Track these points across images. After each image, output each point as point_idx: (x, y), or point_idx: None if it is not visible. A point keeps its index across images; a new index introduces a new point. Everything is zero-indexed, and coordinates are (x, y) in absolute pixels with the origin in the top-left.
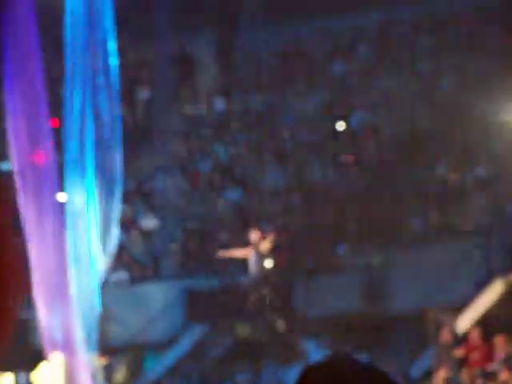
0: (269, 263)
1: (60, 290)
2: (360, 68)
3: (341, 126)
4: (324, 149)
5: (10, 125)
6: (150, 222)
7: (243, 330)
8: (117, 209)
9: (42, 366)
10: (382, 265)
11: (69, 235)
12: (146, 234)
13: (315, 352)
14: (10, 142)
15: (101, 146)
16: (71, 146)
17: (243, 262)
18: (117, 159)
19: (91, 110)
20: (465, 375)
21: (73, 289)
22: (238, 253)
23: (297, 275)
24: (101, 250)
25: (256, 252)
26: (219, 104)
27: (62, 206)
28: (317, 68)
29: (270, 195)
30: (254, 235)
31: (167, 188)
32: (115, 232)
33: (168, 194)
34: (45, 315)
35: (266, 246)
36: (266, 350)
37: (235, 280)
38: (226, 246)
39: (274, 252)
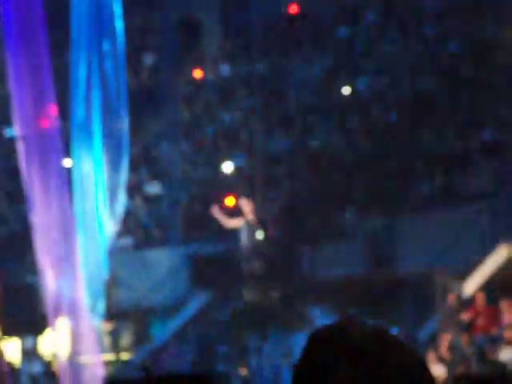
0: (259, 234)
1: (66, 255)
2: (366, 31)
3: (346, 90)
4: (329, 113)
5: (13, 90)
6: (154, 188)
7: (249, 295)
8: (124, 174)
9: (49, 330)
10: (387, 229)
11: (75, 201)
12: (151, 200)
13: (322, 318)
14: (14, 107)
15: (107, 111)
16: (77, 111)
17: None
18: (124, 125)
19: (97, 76)
20: (466, 339)
21: (79, 254)
22: (229, 222)
23: (302, 241)
24: (108, 215)
25: (246, 223)
26: (224, 69)
27: (67, 171)
28: (322, 31)
29: (275, 160)
30: (244, 205)
31: (172, 153)
32: (122, 198)
33: (173, 160)
34: (51, 280)
35: (255, 216)
36: (272, 315)
37: (241, 245)
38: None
39: (264, 223)
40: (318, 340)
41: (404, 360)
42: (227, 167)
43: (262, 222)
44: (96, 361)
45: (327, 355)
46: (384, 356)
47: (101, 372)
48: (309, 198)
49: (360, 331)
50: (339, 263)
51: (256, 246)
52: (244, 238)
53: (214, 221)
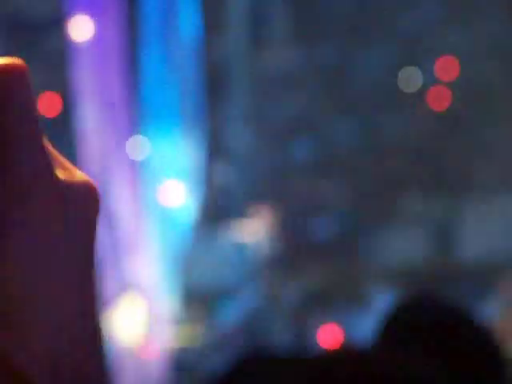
0: (274, 244)
1: (136, 234)
2: (429, 20)
3: (410, 77)
4: (393, 99)
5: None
6: (223, 173)
7: (313, 277)
8: (200, 159)
9: (120, 308)
10: (451, 214)
11: (149, 185)
12: (220, 185)
13: (384, 300)
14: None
15: (183, 96)
16: (153, 95)
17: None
18: (200, 110)
19: (173, 60)
20: None
21: (151, 235)
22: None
23: (365, 224)
24: (181, 198)
25: (263, 228)
26: (292, 54)
27: (141, 155)
28: (386, 19)
29: (340, 146)
30: (262, 210)
31: (239, 138)
32: (196, 181)
33: (239, 145)
34: (122, 260)
35: (271, 221)
36: (333, 298)
37: (307, 228)
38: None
39: (278, 230)
40: (396, 315)
41: (479, 336)
42: None
43: (266, 238)
44: (165, 341)
45: (405, 331)
46: (460, 331)
47: (167, 353)
48: (373, 181)
49: (437, 307)
50: (401, 247)
51: (256, 260)
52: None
53: (282, 205)
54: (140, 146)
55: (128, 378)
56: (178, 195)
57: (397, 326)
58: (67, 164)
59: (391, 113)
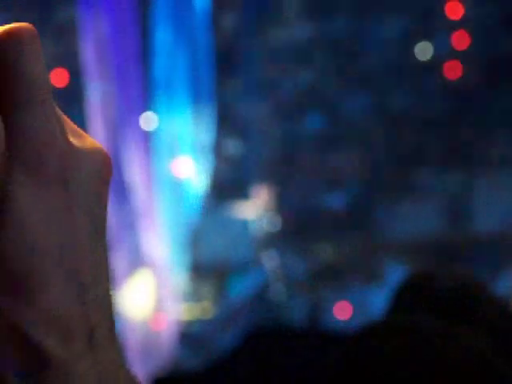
0: (273, 224)
1: (146, 209)
2: None
3: (424, 49)
4: (407, 73)
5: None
6: (233, 147)
7: (325, 252)
8: (209, 133)
9: (129, 285)
10: (465, 186)
11: (158, 158)
12: (230, 159)
13: (396, 275)
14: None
15: (192, 70)
16: (161, 70)
17: (325, 184)
18: (209, 84)
19: (183, 34)
20: None
21: (160, 209)
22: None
23: (379, 197)
24: (194, 173)
25: (259, 209)
26: (303, 27)
27: (150, 129)
28: None
29: (352, 120)
30: (259, 191)
31: (251, 113)
32: (208, 156)
33: (252, 119)
34: (130, 235)
35: (268, 203)
36: (346, 271)
37: (319, 202)
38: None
39: (280, 213)
40: (407, 287)
41: (493, 308)
42: None
43: (277, 212)
44: (175, 316)
45: (417, 301)
46: (476, 299)
47: (178, 328)
48: (385, 155)
49: (449, 279)
50: (415, 220)
51: (267, 235)
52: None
53: (294, 178)
54: (151, 120)
55: (139, 353)
56: (188, 169)
57: (410, 293)
58: (79, 131)
59: (404, 86)
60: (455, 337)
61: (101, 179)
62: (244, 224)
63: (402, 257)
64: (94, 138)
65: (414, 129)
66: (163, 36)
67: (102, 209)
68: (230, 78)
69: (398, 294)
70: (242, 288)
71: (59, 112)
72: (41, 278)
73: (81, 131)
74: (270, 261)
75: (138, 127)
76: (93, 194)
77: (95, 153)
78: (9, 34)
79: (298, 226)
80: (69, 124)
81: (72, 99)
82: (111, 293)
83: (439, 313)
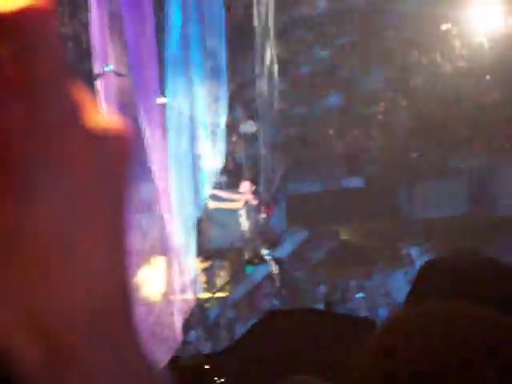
0: (260, 217)
1: (159, 194)
2: None
3: (446, 26)
4: (430, 49)
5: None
6: (250, 127)
7: (346, 234)
8: (223, 111)
9: (144, 269)
10: (490, 167)
11: (170, 138)
12: (247, 139)
13: (420, 257)
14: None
15: (205, 47)
16: (173, 47)
17: (348, 165)
18: (221, 61)
19: (195, 10)
20: None
21: (174, 193)
22: (230, 205)
23: (402, 179)
24: (208, 153)
25: (246, 205)
26: (321, 3)
27: (161, 106)
28: None
29: (374, 98)
30: (244, 186)
31: (268, 92)
32: (222, 135)
33: (268, 98)
34: (143, 219)
35: (254, 198)
36: (370, 254)
37: (339, 184)
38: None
39: (266, 205)
40: (431, 269)
41: None
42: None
43: (263, 205)
44: (190, 299)
45: (440, 283)
46: (497, 284)
47: (194, 311)
48: (409, 136)
49: (473, 260)
50: (439, 202)
51: (257, 228)
52: (243, 221)
53: (311, 159)
54: (167, 99)
55: (155, 336)
56: (203, 151)
57: (434, 273)
58: (100, 109)
59: (428, 64)
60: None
61: (121, 163)
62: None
63: (426, 239)
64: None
65: (438, 109)
66: (176, 14)
67: (122, 193)
68: (245, 56)
69: (418, 277)
70: (258, 270)
71: (81, 90)
72: (62, 268)
73: (101, 109)
74: (288, 243)
75: (154, 107)
76: (112, 178)
77: (116, 135)
78: (28, 13)
79: (316, 207)
80: (91, 103)
81: (85, 79)
82: (130, 280)
83: (461, 296)
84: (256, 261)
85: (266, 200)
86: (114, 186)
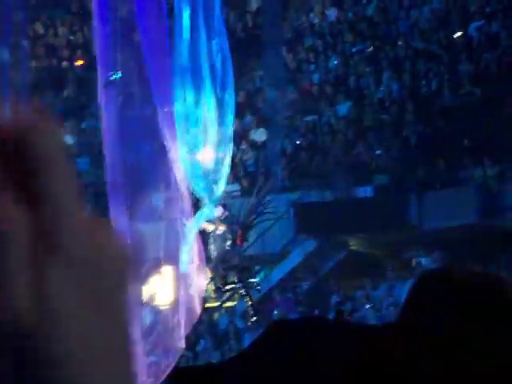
0: (228, 242)
1: (170, 201)
2: None
3: (457, 35)
4: (440, 59)
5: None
6: (259, 135)
7: (356, 244)
8: (230, 121)
9: (152, 277)
10: (499, 178)
11: (180, 146)
12: (256, 147)
13: (429, 266)
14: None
15: (210, 53)
16: (181, 51)
17: (355, 175)
18: (228, 67)
19: (202, 16)
20: None
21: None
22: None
23: (410, 189)
24: (214, 163)
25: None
26: (331, 12)
27: (171, 114)
28: None
29: (383, 106)
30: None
31: (277, 100)
32: (229, 144)
33: (278, 106)
34: (152, 227)
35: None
36: (379, 264)
37: (348, 193)
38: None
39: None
40: (423, 283)
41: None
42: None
43: (232, 230)
44: (198, 309)
45: (429, 298)
46: (491, 304)
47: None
48: (418, 145)
49: (466, 277)
50: (448, 213)
51: (224, 254)
52: (214, 245)
53: (320, 168)
54: (176, 108)
55: (161, 342)
56: (212, 157)
57: (423, 290)
58: (99, 219)
59: (437, 73)
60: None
61: (121, 271)
62: (272, 215)
63: (434, 250)
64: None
65: (448, 118)
66: (183, 21)
67: (124, 299)
68: (254, 64)
69: (412, 289)
70: (267, 280)
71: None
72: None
73: (100, 220)
74: (298, 253)
75: (164, 116)
76: (114, 285)
77: (116, 245)
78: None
79: (325, 217)
80: (92, 221)
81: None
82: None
83: (452, 311)
84: (225, 288)
85: (239, 227)
86: (111, 300)
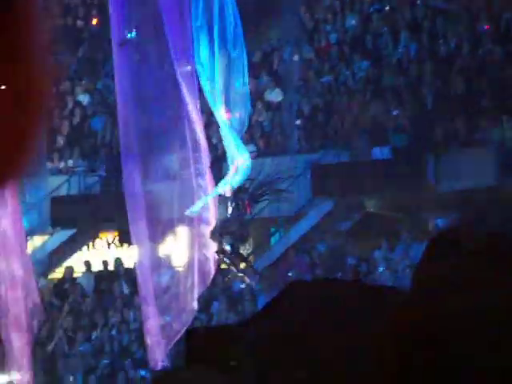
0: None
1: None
2: None
3: None
4: (459, 18)
5: None
6: (276, 95)
7: (372, 204)
8: (245, 80)
9: (168, 239)
10: None
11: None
12: (273, 108)
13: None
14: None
15: (223, 16)
16: (197, 14)
17: (373, 136)
18: (238, 29)
19: None
20: None
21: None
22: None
23: (428, 149)
24: (231, 123)
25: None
26: None
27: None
28: None
29: (401, 67)
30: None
31: (294, 60)
32: (246, 104)
33: (295, 66)
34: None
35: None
36: (396, 226)
37: (365, 154)
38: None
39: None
40: (433, 243)
41: None
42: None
43: (237, 198)
44: (213, 270)
45: (444, 255)
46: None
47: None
48: (436, 106)
49: (474, 235)
50: (466, 173)
51: (224, 222)
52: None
53: (337, 129)
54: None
55: (178, 302)
56: (229, 117)
57: (438, 247)
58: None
59: (456, 33)
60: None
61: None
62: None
63: (452, 211)
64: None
65: (466, 77)
66: None
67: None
68: (271, 24)
69: (428, 247)
70: (284, 240)
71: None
72: None
73: None
74: (314, 214)
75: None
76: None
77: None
78: None
79: (342, 177)
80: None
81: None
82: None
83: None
84: (221, 255)
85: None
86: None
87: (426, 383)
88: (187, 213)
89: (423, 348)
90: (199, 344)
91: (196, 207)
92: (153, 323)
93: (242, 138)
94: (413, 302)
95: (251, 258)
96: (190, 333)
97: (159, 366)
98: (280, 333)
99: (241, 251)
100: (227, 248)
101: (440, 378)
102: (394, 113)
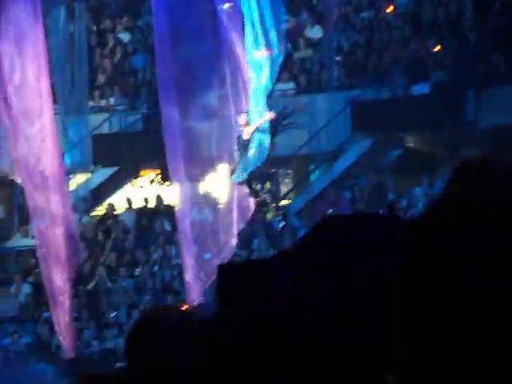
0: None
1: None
2: None
3: None
4: None
5: None
6: (316, 32)
7: (413, 141)
8: (281, 16)
9: (211, 177)
10: None
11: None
12: (313, 44)
13: None
14: None
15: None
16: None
17: (412, 72)
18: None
19: None
20: None
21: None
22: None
23: (468, 85)
24: (265, 60)
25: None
26: None
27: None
28: None
29: (441, 2)
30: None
31: None
32: (281, 41)
33: (335, 2)
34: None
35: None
36: (436, 162)
37: (405, 90)
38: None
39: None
40: (458, 170)
41: None
42: None
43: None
44: (252, 207)
45: (466, 182)
46: None
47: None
48: (477, 42)
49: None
50: (506, 110)
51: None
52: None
53: (377, 66)
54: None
55: (216, 239)
56: (266, 57)
57: (460, 177)
58: None
59: None
60: None
61: None
62: (325, 113)
63: (491, 147)
64: None
65: (508, 13)
66: None
67: None
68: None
69: (452, 174)
70: (323, 177)
71: None
72: None
73: None
74: (354, 151)
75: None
76: None
77: None
78: None
79: (382, 114)
80: None
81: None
82: None
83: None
84: (253, 195)
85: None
86: None
87: (431, 304)
88: (232, 180)
89: (428, 272)
90: (232, 280)
91: (239, 176)
92: (192, 260)
93: (277, 77)
94: (421, 225)
95: (291, 195)
96: (223, 269)
97: (197, 301)
98: (310, 267)
99: (276, 189)
100: (257, 187)
101: (444, 298)
102: (435, 48)
